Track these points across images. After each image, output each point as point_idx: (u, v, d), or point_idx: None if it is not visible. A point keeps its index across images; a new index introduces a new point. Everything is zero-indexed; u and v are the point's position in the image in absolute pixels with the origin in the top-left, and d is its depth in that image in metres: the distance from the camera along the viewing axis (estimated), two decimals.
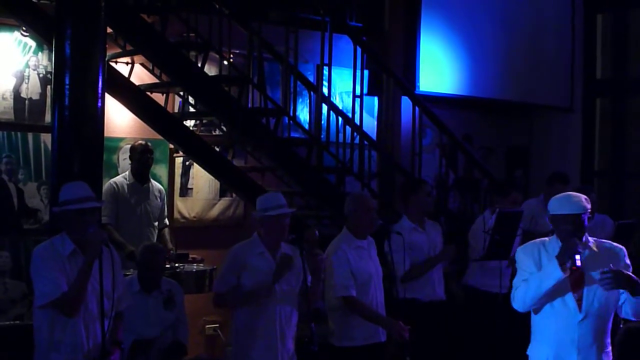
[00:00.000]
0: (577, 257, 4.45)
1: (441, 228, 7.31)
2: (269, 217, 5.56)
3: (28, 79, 7.58)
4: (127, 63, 7.85)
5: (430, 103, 8.79)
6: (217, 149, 7.97)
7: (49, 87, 7.46)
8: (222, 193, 8.72)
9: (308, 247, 5.70)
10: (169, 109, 8.00)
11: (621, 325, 6.38)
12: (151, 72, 7.98)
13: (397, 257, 6.35)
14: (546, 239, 4.78)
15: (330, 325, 6.03)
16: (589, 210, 4.66)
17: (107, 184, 7.34)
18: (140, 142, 7.66)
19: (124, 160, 7.87)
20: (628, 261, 4.73)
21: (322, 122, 7.89)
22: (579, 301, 4.62)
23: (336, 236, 6.17)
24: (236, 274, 5.59)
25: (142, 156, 7.58)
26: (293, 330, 5.69)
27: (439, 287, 6.99)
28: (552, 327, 4.66)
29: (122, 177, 7.63)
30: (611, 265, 4.50)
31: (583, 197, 4.67)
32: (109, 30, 6.69)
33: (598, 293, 4.60)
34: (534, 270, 4.63)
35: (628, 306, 4.66)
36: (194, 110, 8.15)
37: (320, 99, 7.92)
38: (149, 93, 7.63)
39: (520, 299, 4.65)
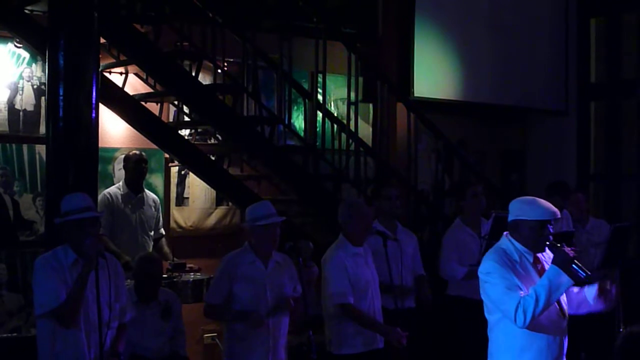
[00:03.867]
0: (579, 264, 4.34)
1: (416, 237, 7.11)
2: (259, 226, 5.56)
3: (22, 90, 7.58)
4: (121, 73, 7.85)
5: (425, 109, 8.79)
6: (213, 158, 7.96)
7: (43, 98, 7.46)
8: (219, 202, 8.72)
9: (303, 259, 5.68)
10: (164, 118, 8.00)
11: (621, 330, 6.36)
12: (145, 81, 7.98)
13: (393, 264, 6.28)
14: (500, 247, 4.58)
15: (327, 333, 6.02)
16: None
17: (101, 194, 7.31)
18: (134, 152, 7.65)
19: (119, 170, 7.86)
20: None
21: (318, 129, 7.89)
22: (560, 308, 4.52)
23: (332, 243, 6.16)
24: (228, 284, 5.60)
25: (136, 166, 7.56)
26: (284, 340, 5.71)
27: (405, 294, 6.72)
28: (544, 341, 4.48)
29: (115, 188, 7.61)
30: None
31: None
32: (103, 40, 6.69)
33: (568, 294, 4.54)
34: (517, 281, 4.40)
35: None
36: (189, 120, 8.15)
37: (315, 106, 7.92)
38: (143, 103, 7.62)
39: (529, 314, 4.31)
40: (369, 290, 6.00)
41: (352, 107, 7.98)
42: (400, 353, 5.97)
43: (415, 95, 9.22)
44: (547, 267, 4.52)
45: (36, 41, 6.85)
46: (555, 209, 4.51)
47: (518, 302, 4.33)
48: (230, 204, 8.63)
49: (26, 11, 6.96)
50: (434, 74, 9.48)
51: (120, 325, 5.04)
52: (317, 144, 7.87)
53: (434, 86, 9.48)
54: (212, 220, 8.70)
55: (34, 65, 7.62)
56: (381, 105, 8.47)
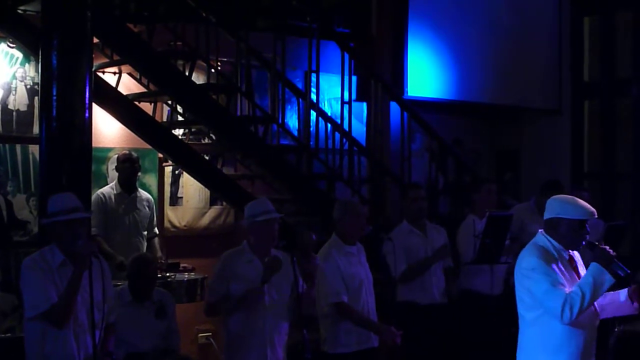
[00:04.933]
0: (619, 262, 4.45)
1: (445, 231, 7.32)
2: (257, 223, 5.55)
3: (15, 90, 7.57)
4: (114, 73, 7.83)
5: (419, 108, 8.79)
6: (207, 158, 7.95)
7: (36, 98, 7.44)
8: (212, 201, 8.71)
9: (304, 250, 5.67)
10: (157, 118, 7.99)
11: (615, 329, 6.38)
12: (139, 81, 7.97)
13: (390, 260, 6.36)
14: (537, 244, 4.62)
15: (321, 332, 6.02)
16: None
17: (95, 194, 7.31)
18: (124, 152, 7.66)
19: (112, 170, 7.85)
20: None
21: (311, 128, 7.89)
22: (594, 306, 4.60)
23: (326, 242, 6.16)
24: (226, 283, 5.58)
25: (123, 165, 7.57)
26: (283, 339, 5.69)
27: (437, 290, 7.00)
28: (581, 338, 4.54)
29: (109, 188, 7.61)
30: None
31: None
32: (96, 40, 6.68)
33: None
34: (560, 278, 4.47)
35: None
36: (183, 119, 8.14)
37: (308, 105, 7.92)
38: (136, 102, 7.61)
39: (575, 311, 4.38)
40: (363, 289, 6.01)
41: (346, 107, 7.98)
42: (395, 352, 5.97)
43: (409, 94, 9.23)
44: (579, 266, 4.62)
45: (29, 41, 6.84)
46: (593, 209, 4.57)
47: (565, 298, 4.38)
48: (224, 203, 8.62)
49: (19, 11, 6.95)
50: (427, 73, 9.50)
51: (108, 325, 5.03)
52: (311, 143, 7.87)
53: (428, 85, 9.50)
54: (206, 219, 8.70)
55: (27, 65, 7.61)
56: (375, 104, 8.47)
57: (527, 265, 4.56)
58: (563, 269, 4.53)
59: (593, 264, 4.44)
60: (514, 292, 4.67)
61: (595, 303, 4.57)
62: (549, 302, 4.44)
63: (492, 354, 7.01)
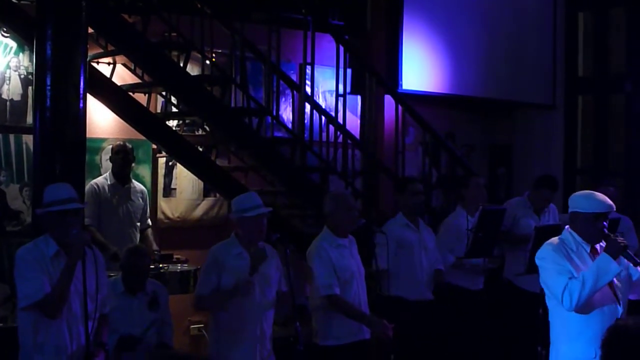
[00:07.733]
0: (631, 252, 4.58)
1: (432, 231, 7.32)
2: (246, 218, 5.55)
3: (9, 80, 7.55)
4: (108, 63, 7.81)
5: (413, 101, 8.80)
6: (200, 149, 7.95)
7: (30, 88, 7.44)
8: (206, 193, 8.71)
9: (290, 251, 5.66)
10: (152, 109, 7.99)
11: None
12: (133, 72, 7.95)
13: (380, 251, 6.32)
14: (560, 237, 4.77)
15: (313, 324, 6.02)
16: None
17: (88, 185, 7.30)
18: (118, 142, 7.65)
19: (106, 161, 7.85)
20: None
21: (305, 121, 7.88)
22: (615, 294, 4.70)
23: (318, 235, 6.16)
24: (216, 275, 5.58)
25: (116, 156, 7.58)
26: (271, 329, 5.71)
27: (427, 286, 7.00)
28: (599, 325, 4.56)
29: (103, 178, 7.60)
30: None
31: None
32: (90, 30, 6.66)
33: (624, 282, 4.74)
34: (570, 267, 4.62)
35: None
36: (177, 110, 8.13)
37: (303, 98, 7.91)
38: (131, 93, 7.60)
39: (575, 297, 4.52)
40: (354, 282, 6.01)
41: (340, 99, 7.98)
42: (386, 344, 5.97)
43: (404, 87, 9.24)
44: None
45: (24, 30, 6.83)
46: (611, 203, 4.71)
47: (565, 284, 4.54)
48: (217, 195, 8.62)
49: (14, 0, 6.93)
50: (422, 67, 9.50)
51: (101, 316, 5.03)
52: (305, 136, 7.86)
53: (422, 79, 9.50)
54: (199, 211, 8.69)
55: (21, 54, 7.59)
56: (369, 97, 8.46)
57: (539, 254, 4.77)
58: (579, 260, 4.67)
59: (602, 254, 4.59)
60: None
61: (618, 290, 4.70)
62: (553, 288, 4.63)
63: (474, 347, 7.05)
